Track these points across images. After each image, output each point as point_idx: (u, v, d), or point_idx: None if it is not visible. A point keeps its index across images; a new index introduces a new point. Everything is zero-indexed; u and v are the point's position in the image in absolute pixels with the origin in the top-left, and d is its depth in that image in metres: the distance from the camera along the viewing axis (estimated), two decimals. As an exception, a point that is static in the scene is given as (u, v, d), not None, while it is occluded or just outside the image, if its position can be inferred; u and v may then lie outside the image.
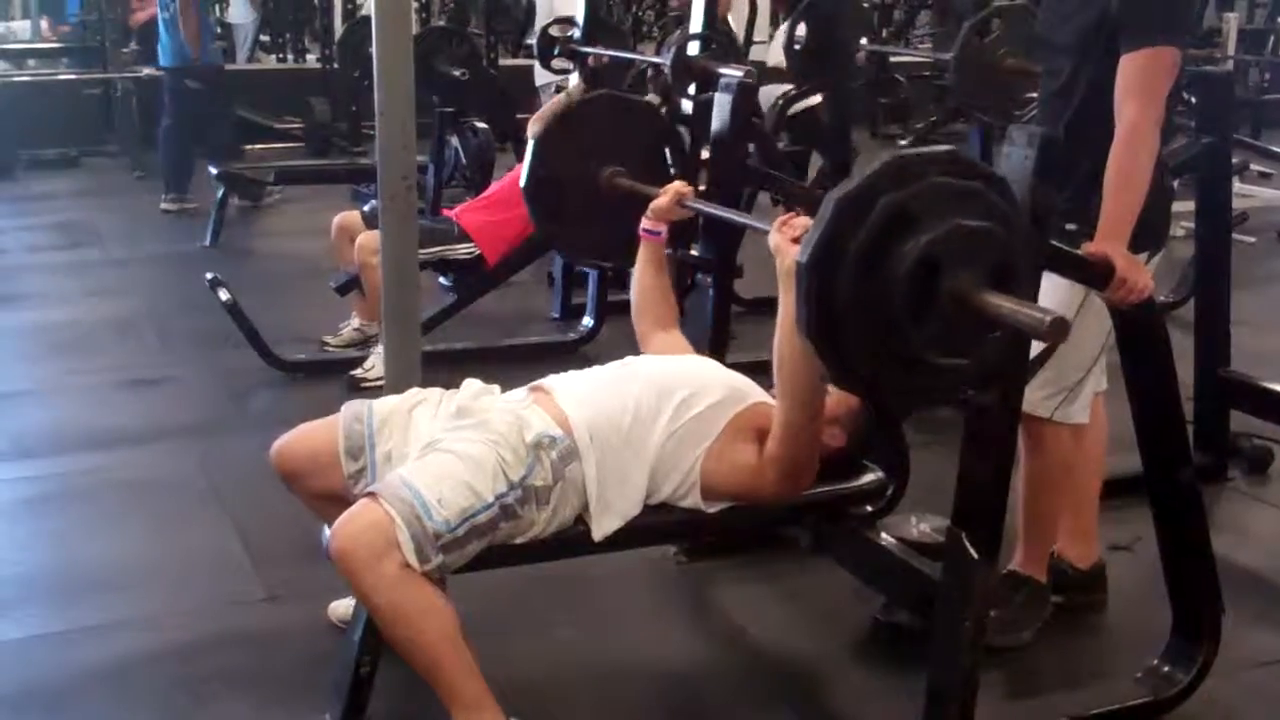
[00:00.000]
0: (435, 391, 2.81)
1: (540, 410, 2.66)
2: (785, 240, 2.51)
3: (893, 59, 10.05)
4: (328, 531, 2.47)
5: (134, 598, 3.33)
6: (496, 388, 2.81)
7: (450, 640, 2.42)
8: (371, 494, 2.44)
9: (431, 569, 2.39)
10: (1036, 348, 2.57)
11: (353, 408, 2.77)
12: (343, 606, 3.02)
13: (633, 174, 3.34)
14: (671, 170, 3.42)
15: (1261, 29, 13.73)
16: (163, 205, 8.57)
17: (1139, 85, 2.71)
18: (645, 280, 3.15)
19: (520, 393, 2.78)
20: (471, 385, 2.80)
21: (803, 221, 2.50)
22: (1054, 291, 2.78)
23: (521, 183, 3.33)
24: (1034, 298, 2.10)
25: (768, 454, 2.64)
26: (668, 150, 3.46)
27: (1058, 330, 1.90)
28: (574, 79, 6.07)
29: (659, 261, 3.16)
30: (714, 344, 3.69)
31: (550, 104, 5.92)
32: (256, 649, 3.08)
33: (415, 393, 2.82)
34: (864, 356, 2.05)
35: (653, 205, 3.13)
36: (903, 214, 1.98)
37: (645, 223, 3.14)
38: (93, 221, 8.25)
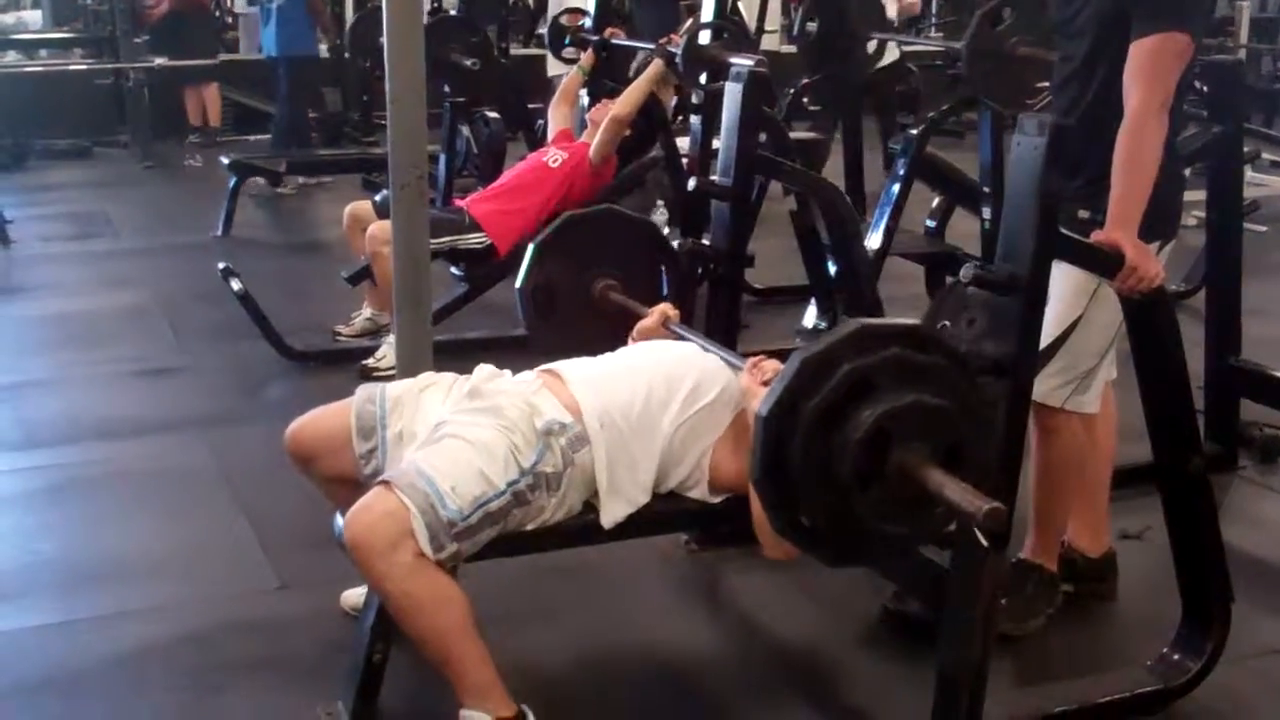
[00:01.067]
0: (447, 375, 2.82)
1: (550, 395, 2.67)
2: (755, 383, 2.61)
3: (904, 48, 10.02)
4: (339, 519, 2.49)
5: (147, 587, 3.35)
6: (508, 372, 2.82)
7: (463, 629, 2.43)
8: (385, 482, 2.45)
9: (445, 557, 2.40)
10: (1045, 339, 2.58)
11: (366, 390, 2.79)
12: (354, 595, 3.04)
13: (626, 287, 3.39)
14: (664, 292, 3.47)
15: (1273, 18, 13.66)
16: (280, 190, 8.76)
17: (1147, 70, 2.70)
18: None
19: (530, 375, 2.78)
20: (483, 369, 2.80)
21: (773, 365, 2.60)
22: (1064, 279, 2.78)
23: (518, 284, 3.37)
24: (982, 478, 2.13)
25: None
26: (664, 270, 3.52)
27: (992, 521, 1.95)
28: (584, 56, 6.07)
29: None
30: (725, 333, 3.70)
31: (565, 83, 5.91)
32: (269, 637, 3.10)
33: (427, 376, 2.83)
34: (808, 511, 2.12)
35: (639, 325, 3.16)
36: (862, 382, 2.05)
37: (634, 335, 3.16)
38: (105, 211, 8.27)
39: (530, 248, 3.42)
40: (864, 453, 2.04)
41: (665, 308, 3.17)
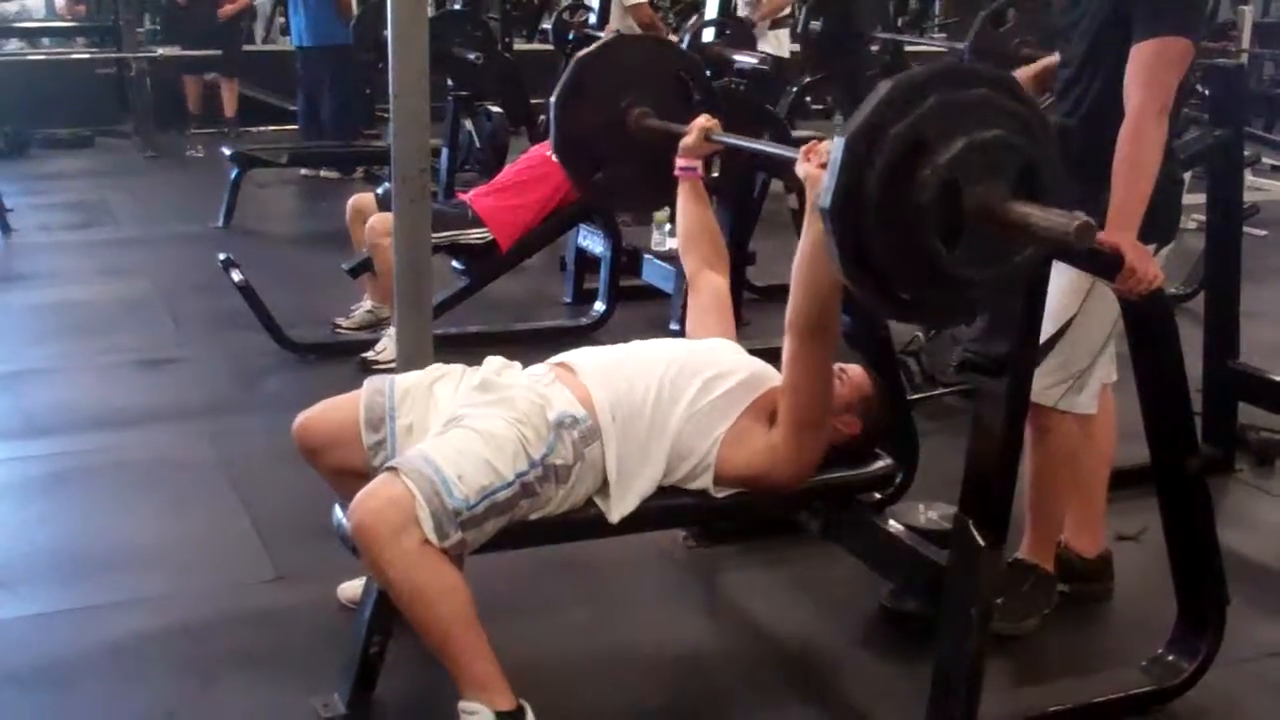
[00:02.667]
0: (457, 368, 2.81)
1: (563, 388, 2.66)
2: (814, 169, 2.52)
3: (907, 48, 10.03)
4: (338, 511, 2.49)
5: (145, 577, 3.35)
6: (518, 364, 2.82)
7: (464, 620, 2.43)
8: (392, 469, 2.44)
9: (451, 546, 2.40)
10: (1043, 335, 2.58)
11: (374, 382, 2.78)
12: (352, 587, 3.04)
13: (659, 113, 3.33)
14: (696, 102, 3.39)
15: (1276, 22, 13.67)
16: (323, 173, 8.91)
17: (1146, 74, 2.71)
18: (688, 217, 3.19)
19: (543, 368, 2.78)
20: (494, 361, 2.80)
21: (827, 147, 2.47)
22: (1059, 279, 2.78)
23: (551, 146, 3.32)
24: (1060, 195, 2.07)
25: (778, 426, 2.66)
26: (691, 82, 3.44)
27: (1084, 235, 1.90)
28: None
29: (700, 197, 3.19)
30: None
31: None
32: (266, 628, 3.10)
33: (437, 368, 2.83)
34: (903, 287, 2.06)
35: (682, 144, 3.15)
36: (913, 141, 1.97)
37: (679, 161, 3.16)
38: (106, 201, 8.28)
39: (551, 103, 3.35)
40: (938, 209, 1.97)
41: (702, 120, 3.15)
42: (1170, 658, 2.86)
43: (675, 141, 3.18)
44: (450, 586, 2.40)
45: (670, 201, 3.26)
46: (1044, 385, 2.95)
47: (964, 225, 1.99)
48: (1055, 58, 3.10)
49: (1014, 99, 2.08)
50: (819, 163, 2.49)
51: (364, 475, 2.59)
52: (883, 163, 1.97)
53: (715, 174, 3.70)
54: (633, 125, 3.31)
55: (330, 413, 2.79)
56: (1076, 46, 2.94)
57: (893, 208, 1.98)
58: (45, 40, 11.62)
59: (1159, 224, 2.80)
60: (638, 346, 2.87)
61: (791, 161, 2.65)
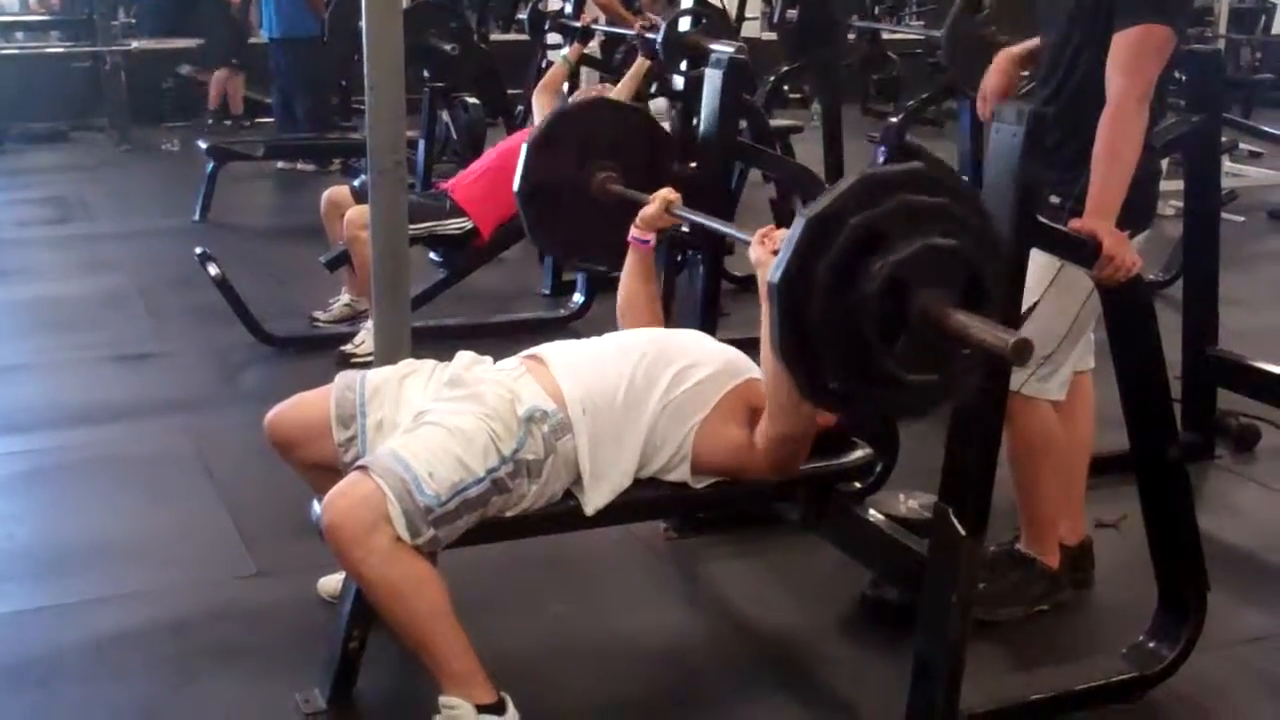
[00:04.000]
0: (428, 363, 2.81)
1: (533, 382, 2.66)
2: (765, 253, 2.57)
3: (885, 35, 10.04)
4: (317, 506, 2.48)
5: (124, 573, 3.33)
6: (489, 359, 2.81)
7: (441, 615, 2.43)
8: (362, 467, 2.44)
9: (423, 543, 2.39)
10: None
11: (345, 377, 2.78)
12: (332, 582, 3.03)
13: (625, 179, 3.35)
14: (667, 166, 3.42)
15: (1252, 8, 13.72)
16: (300, 165, 8.91)
17: (1127, 62, 2.71)
18: (631, 287, 3.15)
19: (513, 361, 2.78)
20: (464, 357, 2.80)
21: (783, 234, 2.49)
22: (1028, 263, 2.78)
23: (515, 186, 3.34)
24: (1013, 310, 2.13)
25: (760, 433, 2.65)
26: (659, 155, 3.47)
27: (1020, 352, 1.94)
28: (570, 49, 6.06)
29: (647, 270, 3.16)
30: (704, 320, 3.69)
31: (550, 73, 5.88)
32: (246, 624, 3.09)
33: (408, 363, 2.83)
34: (835, 374, 2.09)
35: (641, 214, 3.12)
36: (871, 234, 2.01)
37: (634, 231, 3.13)
38: (82, 195, 8.24)
39: (523, 148, 3.38)
40: (884, 304, 1.99)
41: (666, 193, 3.13)
42: (1151, 645, 2.87)
43: (634, 210, 3.17)
44: (425, 582, 2.40)
45: (618, 266, 3.23)
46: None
47: (906, 326, 2.03)
48: (1038, 40, 3.10)
49: (974, 213, 2.11)
50: (772, 248, 2.54)
51: (336, 470, 2.59)
52: (838, 248, 2.01)
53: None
54: (596, 186, 3.33)
55: (301, 408, 2.79)
56: (1059, 32, 2.94)
57: (839, 294, 2.01)
58: (19, 34, 11.54)
59: (1134, 212, 2.80)
60: (611, 338, 2.87)
61: (746, 243, 2.68)
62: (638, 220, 3.12)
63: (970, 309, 2.02)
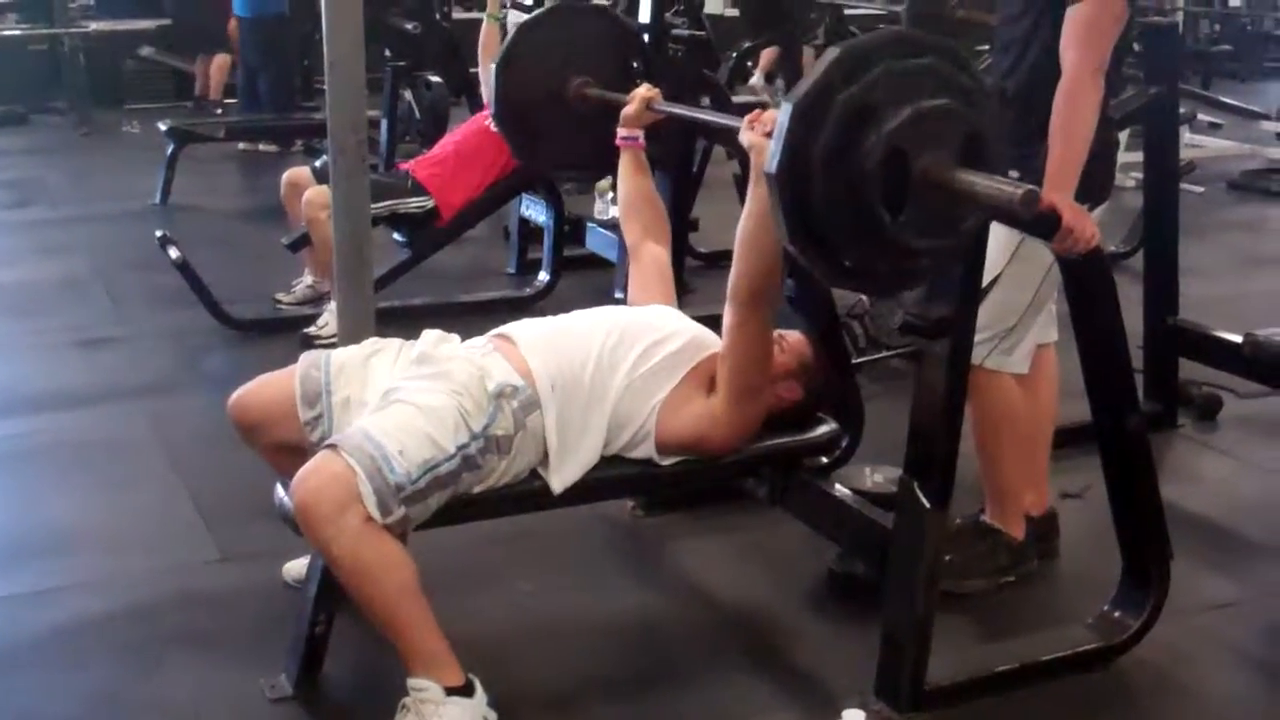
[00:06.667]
0: (395, 341, 2.79)
1: (501, 359, 2.65)
2: (758, 136, 2.51)
3: (847, 10, 10.04)
4: (280, 490, 2.46)
5: (86, 560, 3.31)
6: (456, 337, 2.80)
7: (410, 595, 2.41)
8: (332, 445, 2.42)
9: (394, 521, 2.38)
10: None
11: (310, 356, 2.76)
12: (296, 566, 3.01)
13: (600, 83, 3.32)
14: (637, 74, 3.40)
15: (1211, -21, 13.77)
16: (262, 146, 8.85)
17: (1081, 35, 2.71)
18: (630, 187, 3.20)
19: (482, 340, 2.77)
20: (431, 335, 2.78)
21: (771, 116, 2.48)
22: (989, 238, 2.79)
23: (491, 111, 3.32)
24: (1005, 165, 2.09)
25: (716, 394, 2.68)
26: (631, 54, 3.45)
27: (1029, 202, 1.91)
28: (513, 15, 5.99)
29: (642, 166, 3.21)
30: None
31: (482, 37, 5.73)
32: (210, 610, 3.07)
33: (373, 342, 2.81)
34: (848, 253, 2.06)
35: (623, 114, 3.17)
36: (860, 109, 1.97)
37: (621, 131, 3.18)
38: (41, 179, 8.16)
39: (492, 68, 3.35)
40: (884, 176, 1.98)
41: (643, 90, 3.16)
42: (1116, 614, 2.89)
43: (616, 111, 3.18)
44: (395, 562, 2.39)
45: (612, 171, 3.25)
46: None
47: (909, 193, 1.99)
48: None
49: (959, 69, 2.08)
50: (764, 131, 2.48)
51: (302, 452, 2.57)
52: (830, 129, 1.97)
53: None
54: (573, 95, 3.30)
55: (265, 389, 2.77)
56: (1015, 6, 2.94)
57: (839, 174, 1.98)
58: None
59: (1092, 185, 2.81)
60: (578, 316, 2.86)
61: (735, 129, 2.64)
62: (621, 121, 3.16)
63: (971, 166, 2.00)
